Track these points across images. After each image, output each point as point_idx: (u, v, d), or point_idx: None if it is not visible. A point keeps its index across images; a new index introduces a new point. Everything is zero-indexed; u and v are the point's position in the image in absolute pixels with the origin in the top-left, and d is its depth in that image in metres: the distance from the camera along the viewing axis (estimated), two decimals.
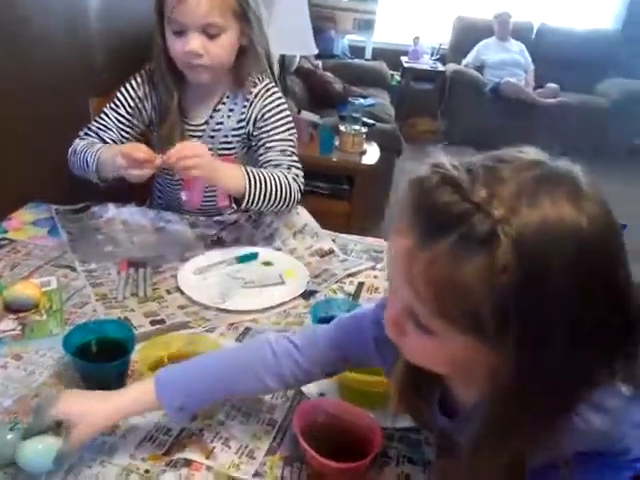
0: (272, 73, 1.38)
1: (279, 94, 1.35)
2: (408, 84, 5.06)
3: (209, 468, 0.72)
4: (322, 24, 4.49)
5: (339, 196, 2.62)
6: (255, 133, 1.33)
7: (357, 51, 4.95)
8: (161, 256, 1.21)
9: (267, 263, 1.23)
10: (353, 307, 0.99)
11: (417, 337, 0.55)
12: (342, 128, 2.64)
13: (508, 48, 4.94)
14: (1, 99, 1.30)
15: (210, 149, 1.24)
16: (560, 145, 0.56)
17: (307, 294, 1.11)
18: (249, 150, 1.37)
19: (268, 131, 1.31)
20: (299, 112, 2.80)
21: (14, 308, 0.98)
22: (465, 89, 4.84)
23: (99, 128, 1.32)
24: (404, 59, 5.15)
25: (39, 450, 0.67)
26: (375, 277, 1.19)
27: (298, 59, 3.41)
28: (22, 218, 1.36)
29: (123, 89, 1.33)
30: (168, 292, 1.10)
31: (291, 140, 1.32)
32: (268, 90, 1.33)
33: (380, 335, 0.63)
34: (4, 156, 1.32)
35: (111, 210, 1.36)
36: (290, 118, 1.35)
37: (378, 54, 5.01)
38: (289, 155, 1.30)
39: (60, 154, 1.33)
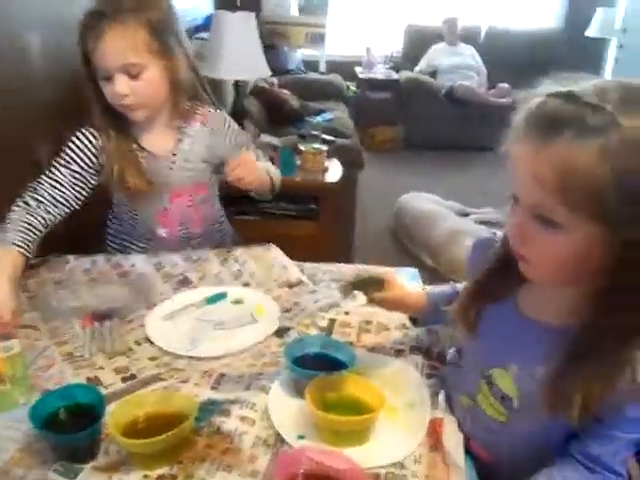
0: (211, 99, 1.44)
1: (225, 114, 1.47)
2: (364, 94, 5.10)
3: None
4: (275, 40, 4.51)
5: (307, 217, 2.61)
6: (222, 151, 1.40)
7: (311, 65, 4.97)
8: (127, 306, 1.18)
9: (237, 301, 1.21)
10: (328, 343, 0.98)
11: (542, 236, 0.67)
12: (302, 147, 2.64)
13: (459, 52, 5.05)
14: None
15: (180, 181, 1.38)
16: None
17: (280, 332, 1.09)
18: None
19: (234, 145, 1.42)
20: (259, 136, 2.79)
21: None
22: (421, 95, 4.91)
23: (52, 186, 1.24)
24: (359, 70, 5.20)
25: None
26: (346, 313, 1.16)
27: (253, 80, 3.41)
28: None
29: (72, 145, 1.29)
30: (137, 343, 1.07)
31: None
32: (216, 114, 1.43)
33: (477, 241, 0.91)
34: None
35: (72, 261, 1.32)
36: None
37: (332, 67, 5.04)
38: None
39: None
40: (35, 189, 1.23)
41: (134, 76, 1.21)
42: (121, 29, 1.18)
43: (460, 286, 0.97)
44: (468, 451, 0.86)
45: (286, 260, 1.34)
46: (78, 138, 1.30)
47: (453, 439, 0.85)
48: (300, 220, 2.60)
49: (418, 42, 5.21)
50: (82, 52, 1.22)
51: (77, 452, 0.80)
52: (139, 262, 1.34)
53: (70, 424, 0.82)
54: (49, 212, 1.22)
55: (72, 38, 1.22)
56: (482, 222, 3.22)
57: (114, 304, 1.18)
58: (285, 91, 3.96)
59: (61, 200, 1.25)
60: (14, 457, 0.81)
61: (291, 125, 3.47)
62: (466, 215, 3.38)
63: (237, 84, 2.77)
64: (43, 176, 1.25)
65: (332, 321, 1.13)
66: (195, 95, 1.37)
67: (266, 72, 2.67)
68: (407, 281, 1.16)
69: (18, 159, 1.38)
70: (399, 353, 1.04)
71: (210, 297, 1.20)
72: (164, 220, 1.41)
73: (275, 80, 4.06)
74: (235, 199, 1.87)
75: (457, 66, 4.96)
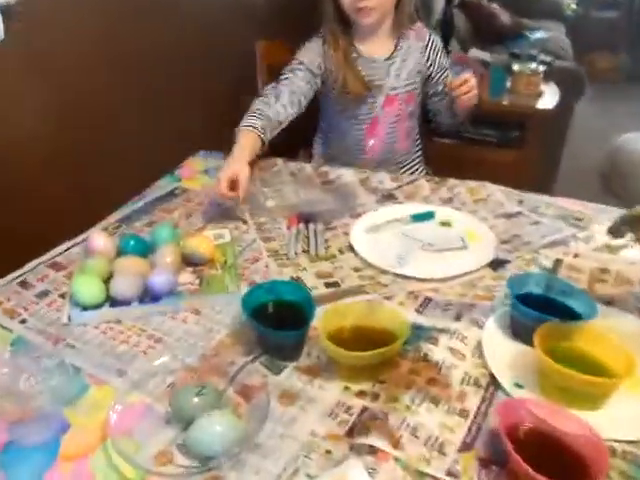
0: (418, 15, 1.48)
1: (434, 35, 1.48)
2: (587, 12, 4.43)
3: (397, 459, 0.65)
4: None
5: (508, 145, 2.38)
6: (432, 69, 1.43)
7: None
8: (331, 211, 1.14)
9: (445, 223, 1.10)
10: (557, 286, 0.84)
11: None
12: (515, 67, 2.36)
13: None
14: (171, 49, 1.29)
15: (394, 88, 1.39)
16: None
17: (495, 264, 0.97)
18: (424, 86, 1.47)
19: (441, 67, 1.44)
20: (466, 51, 2.55)
21: (190, 262, 0.97)
22: None
23: (288, 86, 1.33)
24: None
25: (216, 432, 0.64)
26: (576, 256, 1.00)
27: None
28: (193, 167, 1.36)
29: (305, 51, 1.38)
30: (341, 251, 1.03)
31: None
32: (428, 31, 1.45)
33: None
34: (174, 105, 1.33)
35: (280, 163, 1.33)
36: None
37: None
38: None
39: (229, 102, 1.31)
40: (274, 87, 1.32)
41: None
42: None
43: None
44: None
45: (504, 194, 1.19)
46: (310, 44, 1.38)
47: None
48: (499, 148, 2.39)
49: None
50: None
51: (283, 349, 0.79)
52: (345, 173, 1.31)
53: (276, 319, 0.81)
54: (285, 109, 1.29)
55: None
56: None
57: (318, 208, 1.15)
58: (495, 5, 3.58)
59: (295, 100, 1.31)
60: (224, 341, 0.83)
61: (500, 43, 3.14)
62: None
63: None
64: (280, 77, 1.34)
65: (558, 262, 0.98)
66: (410, 10, 1.40)
67: None
68: None
69: None
70: None
71: (416, 214, 1.11)
72: (373, 130, 1.41)
73: None
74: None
75: None
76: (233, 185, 1.09)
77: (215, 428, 0.65)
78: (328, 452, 0.66)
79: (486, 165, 2.26)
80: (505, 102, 2.34)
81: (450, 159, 2.13)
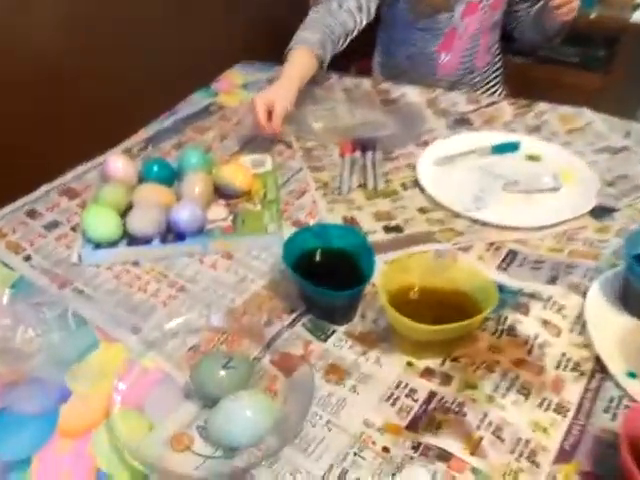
0: None
1: None
2: None
3: (475, 471, 0.50)
4: None
5: (591, 66, 2.07)
6: None
7: None
8: (392, 136, 0.95)
9: (533, 157, 0.90)
10: None
11: None
12: None
13: None
14: None
15: None
16: None
17: (599, 211, 0.78)
18: None
19: None
20: None
21: (223, 194, 0.82)
22: None
23: None
24: None
25: (246, 418, 0.51)
26: None
27: None
28: (232, 80, 1.18)
29: None
30: (404, 187, 0.85)
31: None
32: None
33: None
34: (211, 13, 1.13)
35: (334, 77, 1.12)
36: None
37: None
38: None
39: (276, 9, 1.09)
40: None
41: None
42: None
43: None
44: None
45: (606, 124, 0.97)
46: None
47: None
48: (581, 70, 2.09)
49: None
50: None
51: (333, 310, 0.63)
52: (411, 92, 1.10)
53: (325, 272, 0.65)
54: (352, 16, 1.05)
55: None
56: None
57: (377, 133, 0.96)
58: None
59: (363, 4, 1.07)
60: (260, 295, 0.68)
61: None
62: None
63: None
64: None
65: None
66: None
67: None
68: None
69: None
70: None
71: (498, 145, 0.91)
72: (450, 43, 1.17)
73: None
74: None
75: None
76: (270, 115, 0.90)
77: (245, 413, 0.51)
78: (386, 450, 0.52)
79: (564, 89, 1.98)
80: (592, 16, 2.00)
81: (523, 81, 1.85)
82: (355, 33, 1.06)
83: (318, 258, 0.67)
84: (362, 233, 0.74)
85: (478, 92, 1.24)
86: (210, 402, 0.54)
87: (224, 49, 1.25)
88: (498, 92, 1.28)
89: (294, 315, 0.65)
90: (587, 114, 1.00)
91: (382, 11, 1.20)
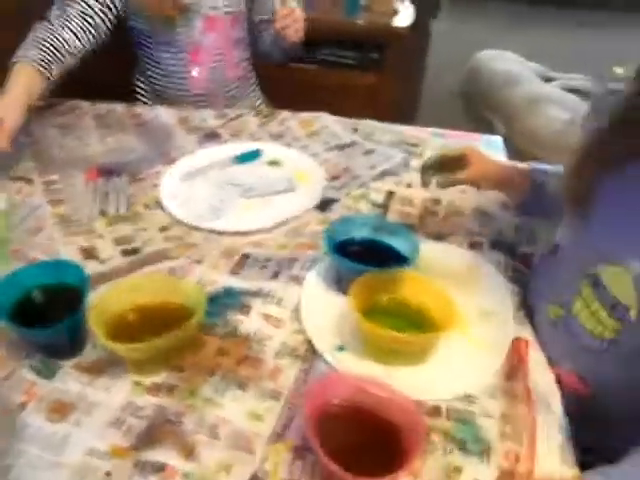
0: None
1: None
2: None
3: (188, 475, 0.52)
4: None
5: (366, 67, 2.26)
6: None
7: None
8: (141, 159, 0.96)
9: (274, 162, 0.97)
10: (381, 226, 0.74)
11: None
12: None
13: None
14: None
15: (215, 7, 1.17)
16: None
17: (323, 204, 0.86)
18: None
19: None
20: None
21: None
22: None
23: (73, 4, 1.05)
24: None
25: None
26: (408, 186, 0.91)
27: None
28: None
29: None
30: (147, 207, 0.86)
31: None
32: None
33: None
34: None
35: (85, 107, 1.11)
36: None
37: None
38: None
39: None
40: (61, 8, 1.04)
41: None
42: None
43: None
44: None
45: (339, 124, 1.07)
46: None
47: (544, 371, 0.63)
48: (358, 71, 2.27)
49: None
50: None
51: (53, 347, 0.63)
52: (164, 114, 1.11)
53: (50, 310, 0.64)
54: (77, 37, 1.03)
55: None
56: (569, 89, 2.76)
57: (126, 157, 0.96)
58: None
59: (87, 26, 1.05)
60: None
61: None
62: (550, 80, 2.90)
63: None
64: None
65: (390, 194, 0.88)
66: None
67: None
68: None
69: None
70: (474, 246, 0.80)
71: (241, 155, 0.96)
72: (197, 58, 1.20)
73: None
74: None
75: None
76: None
77: None
78: (108, 474, 0.53)
79: (346, 89, 2.15)
80: (361, 22, 2.19)
81: (312, 84, 1.98)
82: (80, 55, 1.05)
83: (38, 298, 0.66)
84: (75, 265, 0.70)
85: (237, 105, 1.27)
86: None
87: None
88: (257, 103, 1.33)
89: (26, 358, 0.63)
90: (324, 117, 1.09)
91: (130, 32, 1.20)
